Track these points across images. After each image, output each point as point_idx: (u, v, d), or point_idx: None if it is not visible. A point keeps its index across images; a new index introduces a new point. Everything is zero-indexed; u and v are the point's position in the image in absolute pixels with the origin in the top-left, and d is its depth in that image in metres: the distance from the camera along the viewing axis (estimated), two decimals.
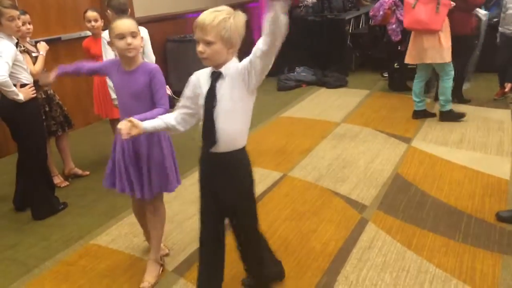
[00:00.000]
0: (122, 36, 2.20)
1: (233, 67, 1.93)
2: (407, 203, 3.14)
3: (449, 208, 3.05)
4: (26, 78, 3.12)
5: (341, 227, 2.89)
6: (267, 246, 2.32)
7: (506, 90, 4.83)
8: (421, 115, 4.77)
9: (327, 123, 4.89)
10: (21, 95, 3.00)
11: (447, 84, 4.56)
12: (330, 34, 6.97)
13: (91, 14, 3.88)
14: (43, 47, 3.50)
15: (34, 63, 3.36)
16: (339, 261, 2.55)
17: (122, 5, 3.56)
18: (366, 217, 3.00)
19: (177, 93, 7.17)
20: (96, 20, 3.88)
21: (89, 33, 4.25)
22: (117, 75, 2.33)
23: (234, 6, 1.99)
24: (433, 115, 4.82)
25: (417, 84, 4.74)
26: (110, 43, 2.31)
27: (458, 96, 5.24)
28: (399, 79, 5.80)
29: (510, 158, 3.75)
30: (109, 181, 2.44)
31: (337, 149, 4.15)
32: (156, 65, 2.38)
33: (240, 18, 1.91)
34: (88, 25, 3.89)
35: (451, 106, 4.65)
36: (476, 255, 2.53)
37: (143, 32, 3.62)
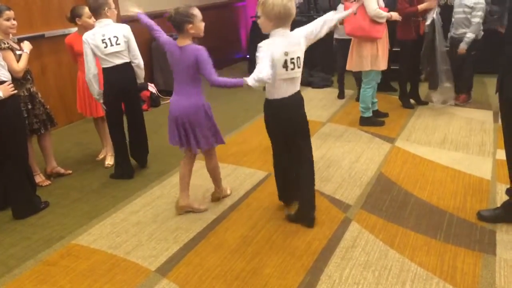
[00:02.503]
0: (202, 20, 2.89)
1: None
2: (390, 202, 3.17)
3: (431, 207, 3.08)
4: (4, 75, 3.07)
5: (325, 226, 2.90)
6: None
7: (457, 102, 4.98)
8: (378, 115, 4.85)
9: (312, 123, 4.83)
10: (0, 93, 2.95)
11: (368, 92, 4.62)
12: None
13: (89, 10, 3.83)
14: (27, 45, 3.46)
15: (17, 61, 3.31)
16: (322, 260, 2.56)
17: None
18: (350, 216, 3.01)
19: (163, 92, 7.16)
20: (90, 17, 3.83)
21: (73, 30, 4.20)
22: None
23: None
24: (386, 115, 4.92)
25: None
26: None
27: (415, 97, 5.31)
28: (383, 80, 5.84)
29: (491, 158, 3.81)
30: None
31: (322, 148, 4.16)
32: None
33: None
34: (90, 21, 3.82)
35: (370, 113, 4.73)
36: (457, 254, 2.56)
37: (127, 29, 3.60)
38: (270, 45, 2.62)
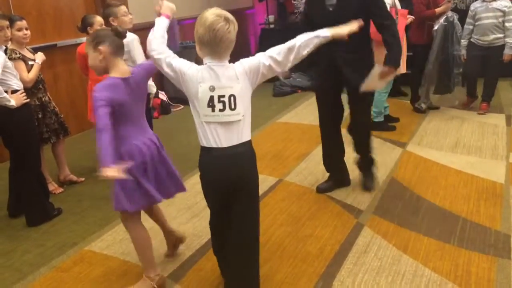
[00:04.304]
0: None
1: None
2: (403, 207, 3.14)
3: (444, 212, 3.05)
4: (17, 84, 3.12)
5: (337, 232, 2.89)
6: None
7: (482, 111, 4.91)
8: (389, 120, 4.84)
9: None
10: (13, 101, 3.00)
11: (382, 97, 4.60)
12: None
13: (101, 19, 3.87)
14: (40, 56, 3.50)
15: (29, 71, 3.36)
16: (334, 266, 2.55)
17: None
18: (362, 221, 3.00)
19: (174, 99, 7.18)
20: (102, 26, 3.87)
21: (84, 39, 4.26)
22: (127, 90, 2.19)
23: (231, 13, 2.02)
24: (397, 119, 4.89)
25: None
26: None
27: (427, 101, 5.26)
28: (393, 84, 5.82)
29: (504, 162, 3.77)
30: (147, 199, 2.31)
31: None
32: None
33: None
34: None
35: (382, 118, 4.71)
36: (472, 259, 2.54)
37: (129, 39, 3.64)
38: (192, 68, 2.01)
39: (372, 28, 4.37)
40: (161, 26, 2.11)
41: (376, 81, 3.07)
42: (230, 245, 2.15)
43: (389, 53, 3.05)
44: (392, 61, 3.04)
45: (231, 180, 2.03)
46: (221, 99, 1.96)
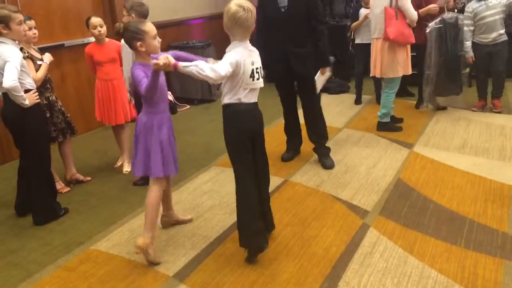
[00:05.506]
0: (155, 36, 2.62)
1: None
2: (409, 208, 3.13)
3: (451, 213, 3.04)
4: (30, 84, 3.14)
5: (342, 233, 2.88)
6: None
7: (498, 109, 4.90)
8: (393, 121, 4.80)
9: (329, 129, 4.82)
10: (27, 101, 3.02)
11: (391, 97, 4.59)
12: (332, 40, 6.97)
13: (97, 20, 3.90)
14: (48, 57, 3.52)
15: (37, 71, 3.38)
16: (340, 267, 2.54)
17: (146, 10, 3.65)
18: (368, 222, 2.99)
19: (180, 99, 7.17)
20: (101, 26, 3.91)
21: (92, 39, 4.28)
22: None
23: None
24: (401, 120, 4.87)
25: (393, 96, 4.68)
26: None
27: (432, 101, 5.21)
28: (400, 85, 5.79)
29: None
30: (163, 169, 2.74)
31: (338, 154, 4.14)
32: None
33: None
34: (94, 31, 3.90)
35: (389, 119, 4.69)
36: (478, 261, 2.52)
37: None
38: (237, 53, 2.46)
39: (395, 31, 4.35)
40: (188, 57, 2.66)
41: (323, 80, 3.84)
42: (260, 168, 2.78)
43: (320, 56, 3.71)
44: (324, 63, 3.76)
45: (256, 124, 2.64)
46: (257, 70, 2.53)
